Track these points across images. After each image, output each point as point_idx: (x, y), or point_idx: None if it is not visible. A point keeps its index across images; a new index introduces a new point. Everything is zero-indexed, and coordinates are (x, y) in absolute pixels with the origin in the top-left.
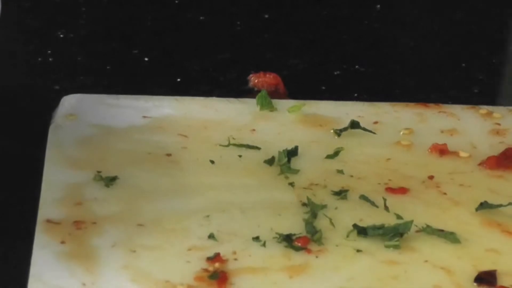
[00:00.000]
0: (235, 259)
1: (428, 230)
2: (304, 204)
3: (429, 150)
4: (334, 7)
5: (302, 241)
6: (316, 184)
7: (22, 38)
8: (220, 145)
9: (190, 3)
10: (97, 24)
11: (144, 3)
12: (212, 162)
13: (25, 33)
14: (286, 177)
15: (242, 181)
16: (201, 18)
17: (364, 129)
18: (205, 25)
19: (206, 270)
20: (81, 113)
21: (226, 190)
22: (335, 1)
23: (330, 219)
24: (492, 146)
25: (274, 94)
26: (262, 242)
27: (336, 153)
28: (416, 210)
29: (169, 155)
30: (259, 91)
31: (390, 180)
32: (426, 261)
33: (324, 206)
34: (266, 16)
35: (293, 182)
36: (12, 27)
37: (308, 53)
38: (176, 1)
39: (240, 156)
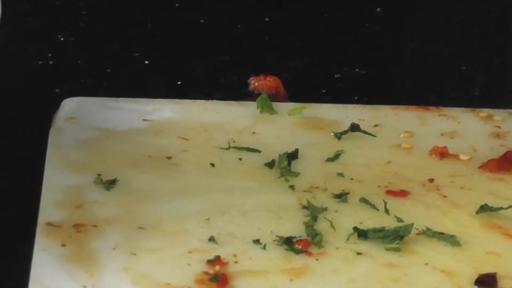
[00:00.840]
0: (236, 262)
1: (429, 233)
2: (304, 207)
3: (430, 153)
4: (335, 10)
5: (303, 244)
6: (317, 187)
7: (22, 41)
8: (221, 148)
9: (190, 6)
10: (97, 27)
11: (144, 6)
12: (213, 165)
13: (25, 36)
14: (287, 180)
15: (243, 184)
16: (201, 21)
17: (365, 132)
18: (205, 27)
19: (206, 272)
20: (81, 116)
21: (227, 193)
22: (335, 4)
23: (331, 222)
24: (493, 149)
25: (275, 97)
26: (262, 245)
27: (337, 156)
28: (416, 213)
29: (169, 158)
30: (259, 94)
31: (390, 183)
32: (427, 264)
33: (324, 209)
34: (267, 19)
35: (294, 185)
36: (13, 29)
37: (309, 56)
38: (177, 4)
39: (240, 159)
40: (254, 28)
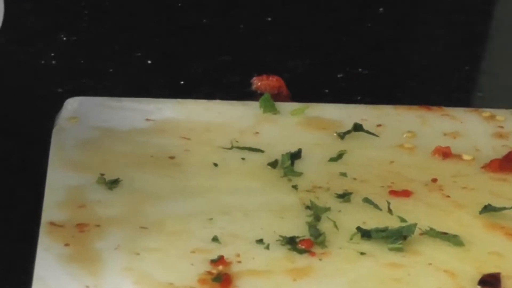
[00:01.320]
0: (239, 262)
1: (432, 233)
2: (307, 207)
3: (433, 153)
4: (337, 9)
5: (306, 243)
6: (319, 187)
7: (25, 41)
8: (223, 148)
9: (192, 6)
10: (99, 27)
11: (146, 5)
12: (215, 165)
13: (28, 36)
14: (289, 180)
15: (245, 184)
16: (204, 20)
17: (367, 132)
18: (208, 27)
19: (209, 272)
20: (84, 116)
21: (229, 192)
22: (338, 4)
23: (334, 222)
24: (495, 149)
25: (277, 97)
26: (265, 245)
27: (339, 156)
28: (419, 213)
29: (172, 157)
30: (262, 94)
31: (393, 183)
32: (430, 264)
33: (327, 209)
34: (269, 18)
35: (296, 185)
36: (15, 29)
37: (311, 56)
38: (179, 4)
39: (243, 159)
40: (256, 28)
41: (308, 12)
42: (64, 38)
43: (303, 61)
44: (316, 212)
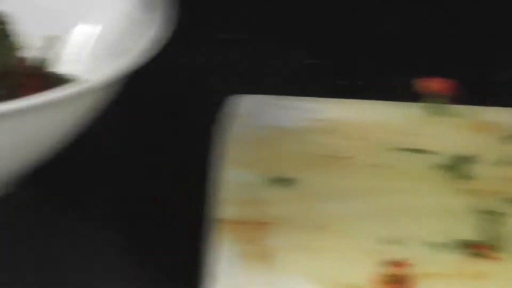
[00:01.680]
0: (413, 264)
1: None
2: (479, 211)
3: None
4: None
5: (480, 248)
6: (490, 191)
7: (187, 40)
8: (390, 149)
9: (357, 10)
10: (261, 26)
11: (306, 6)
12: (384, 166)
13: (190, 36)
14: (459, 183)
15: (414, 185)
16: (368, 23)
17: None
18: (373, 29)
19: (384, 274)
20: (249, 114)
21: (400, 194)
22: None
23: (508, 226)
24: None
25: (443, 99)
26: (439, 248)
27: (509, 160)
28: None
29: (340, 157)
30: (427, 95)
31: None
32: None
33: (500, 213)
34: (441, 20)
35: (466, 188)
36: (176, 29)
37: (478, 59)
38: (345, 5)
39: (410, 160)
40: (424, 30)
41: (474, 14)
42: (227, 37)
43: (470, 64)
44: (488, 216)
